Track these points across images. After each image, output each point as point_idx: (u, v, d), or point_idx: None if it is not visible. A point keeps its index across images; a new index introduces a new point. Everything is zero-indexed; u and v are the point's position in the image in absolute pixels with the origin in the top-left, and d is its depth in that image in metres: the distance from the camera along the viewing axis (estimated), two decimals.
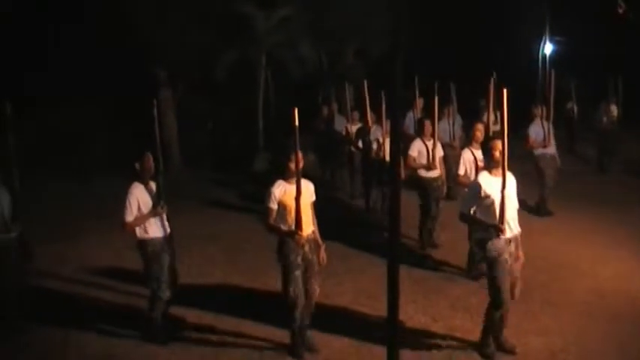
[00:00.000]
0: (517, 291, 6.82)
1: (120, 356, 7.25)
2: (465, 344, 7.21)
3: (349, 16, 21.74)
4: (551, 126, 12.82)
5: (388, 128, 11.60)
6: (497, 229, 6.64)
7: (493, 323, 6.89)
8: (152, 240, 7.36)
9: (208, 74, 20.01)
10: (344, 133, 15.00)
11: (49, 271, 9.77)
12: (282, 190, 6.99)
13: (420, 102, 15.24)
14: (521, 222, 7.00)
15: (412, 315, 7.94)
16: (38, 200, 13.01)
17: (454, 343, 7.26)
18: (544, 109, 12.89)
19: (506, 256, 6.71)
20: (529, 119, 12.99)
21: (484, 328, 6.98)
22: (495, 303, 6.78)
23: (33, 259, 8.12)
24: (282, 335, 7.36)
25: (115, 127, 18.89)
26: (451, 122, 14.16)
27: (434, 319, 7.91)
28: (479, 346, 7.04)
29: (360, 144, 13.80)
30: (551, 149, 12.81)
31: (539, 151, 12.70)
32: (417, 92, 14.50)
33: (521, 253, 6.92)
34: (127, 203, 7.23)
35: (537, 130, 12.79)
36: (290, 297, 6.99)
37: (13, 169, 7.84)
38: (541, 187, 12.81)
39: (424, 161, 10.66)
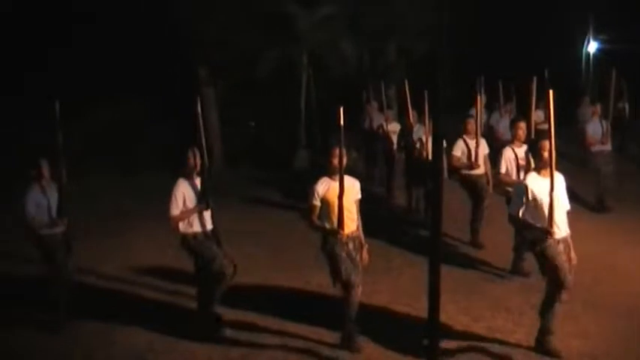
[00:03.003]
0: (564, 295, 6.76)
1: (161, 351, 7.33)
2: (506, 345, 7.15)
3: (391, 14, 21.69)
4: (608, 124, 12.93)
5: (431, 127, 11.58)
6: (547, 231, 6.59)
7: (552, 316, 6.83)
8: (195, 234, 7.49)
9: (250, 72, 20.10)
10: (380, 131, 15.01)
11: (95, 267, 9.92)
12: (325, 187, 7.00)
13: (482, 100, 15.28)
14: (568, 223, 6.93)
15: (452, 315, 7.88)
16: (85, 197, 13.21)
17: (495, 344, 7.20)
18: (601, 107, 12.98)
19: (559, 248, 6.69)
20: (575, 118, 12.98)
21: (543, 323, 6.91)
22: (557, 284, 6.68)
23: (71, 254, 8.24)
24: (323, 333, 7.38)
25: (161, 125, 19.09)
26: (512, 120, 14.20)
27: (474, 320, 7.86)
28: (536, 342, 6.98)
29: (401, 143, 13.81)
30: (609, 146, 12.95)
31: (596, 148, 12.85)
32: (482, 90, 14.59)
33: (573, 255, 6.85)
34: (173, 197, 7.37)
35: (595, 128, 12.93)
36: (343, 276, 6.94)
37: (61, 167, 7.99)
38: (597, 185, 12.91)
39: (467, 161, 10.64)
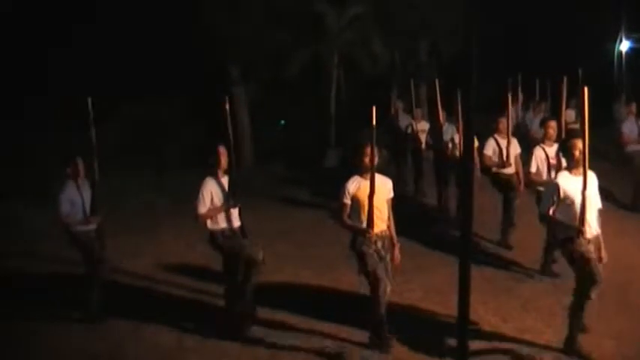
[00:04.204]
0: (594, 293, 6.67)
1: (191, 348, 7.38)
2: (536, 346, 7.11)
3: (422, 13, 21.65)
4: None
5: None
6: (578, 230, 6.53)
7: (581, 316, 6.78)
8: (223, 231, 7.53)
9: (281, 72, 20.16)
10: (409, 130, 14.98)
11: (124, 263, 9.99)
12: (356, 186, 7.00)
13: (518, 98, 15.31)
14: (601, 221, 6.87)
15: (482, 315, 7.85)
16: (115, 194, 13.34)
17: (524, 345, 7.16)
18: (637, 106, 13.00)
19: (589, 248, 6.64)
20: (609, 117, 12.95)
21: (572, 323, 6.85)
22: (589, 281, 6.61)
23: (104, 250, 8.33)
24: (352, 332, 7.38)
25: (191, 124, 19.23)
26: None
27: (504, 320, 7.82)
28: (565, 343, 6.91)
29: (429, 142, 13.82)
30: None
31: (632, 148, 12.90)
32: (519, 89, 14.61)
33: (604, 254, 6.78)
34: (201, 196, 7.43)
35: (631, 127, 12.99)
36: (371, 271, 6.92)
37: (94, 164, 8.09)
38: (633, 185, 12.92)
39: (498, 160, 10.61)
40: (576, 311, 6.81)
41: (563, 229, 6.80)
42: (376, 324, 7.09)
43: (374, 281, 6.95)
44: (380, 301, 6.97)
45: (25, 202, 13.39)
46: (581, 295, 6.73)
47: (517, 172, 10.70)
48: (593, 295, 6.68)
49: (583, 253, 6.62)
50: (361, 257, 7.02)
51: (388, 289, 7.02)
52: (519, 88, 15.22)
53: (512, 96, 14.67)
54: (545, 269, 9.28)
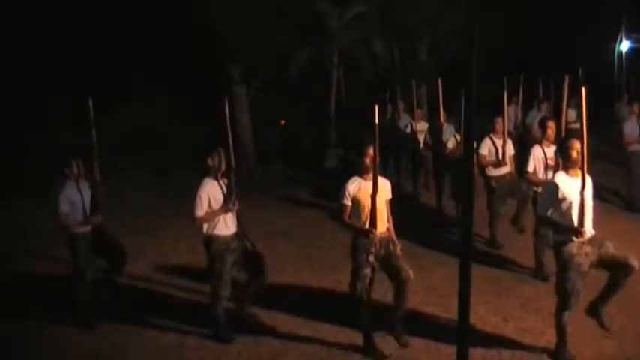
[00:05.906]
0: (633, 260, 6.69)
1: (191, 347, 7.39)
2: (536, 346, 7.11)
3: (422, 13, 21.64)
4: None
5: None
6: (577, 232, 6.51)
7: (563, 325, 6.74)
8: (218, 237, 7.45)
9: (282, 71, 20.14)
10: (409, 130, 14.99)
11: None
12: (356, 187, 6.98)
13: (520, 98, 15.36)
14: (600, 221, 6.85)
15: (483, 315, 7.86)
16: (116, 195, 13.33)
17: (525, 344, 7.16)
18: (638, 106, 13.04)
19: (578, 259, 6.56)
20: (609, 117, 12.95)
21: (557, 332, 6.84)
22: (563, 305, 6.64)
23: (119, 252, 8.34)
24: (352, 333, 7.37)
25: (191, 124, 19.22)
26: None
27: (505, 320, 7.82)
28: (554, 353, 6.90)
29: (428, 142, 13.84)
30: None
31: (633, 148, 12.84)
32: (521, 89, 14.64)
33: (609, 244, 6.75)
34: (198, 198, 7.34)
35: (632, 128, 12.95)
36: (356, 293, 6.94)
37: (95, 164, 8.08)
38: (628, 185, 12.98)
39: (494, 159, 10.63)
40: (557, 317, 6.77)
41: (559, 230, 6.78)
42: (364, 333, 7.13)
43: (358, 302, 6.97)
44: (363, 319, 7.02)
45: (26, 202, 13.39)
46: (560, 302, 6.71)
47: (511, 173, 10.73)
48: (571, 307, 6.63)
49: (573, 256, 6.57)
50: (355, 268, 7.01)
51: (410, 274, 6.93)
52: (520, 89, 15.23)
53: (511, 96, 14.71)
54: (538, 272, 9.28)
